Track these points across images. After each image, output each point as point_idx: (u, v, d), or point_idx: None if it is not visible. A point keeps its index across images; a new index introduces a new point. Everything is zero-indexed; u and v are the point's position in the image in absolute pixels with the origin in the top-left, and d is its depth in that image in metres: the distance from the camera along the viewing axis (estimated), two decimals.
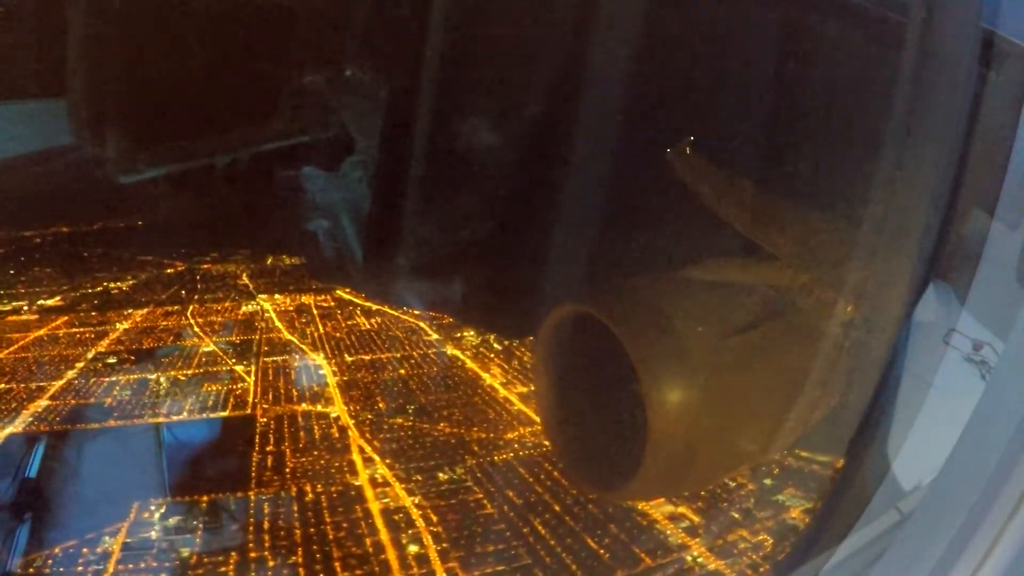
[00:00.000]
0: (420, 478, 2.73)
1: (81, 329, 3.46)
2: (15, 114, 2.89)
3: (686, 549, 2.16)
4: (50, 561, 2.30)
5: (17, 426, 2.83)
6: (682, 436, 1.49)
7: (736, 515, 2.00)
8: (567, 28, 2.27)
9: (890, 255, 1.53)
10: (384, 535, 2.47)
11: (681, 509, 2.25)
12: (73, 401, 3.04)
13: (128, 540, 2.39)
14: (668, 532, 2.22)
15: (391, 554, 2.39)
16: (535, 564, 2.31)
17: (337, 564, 2.35)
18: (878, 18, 1.60)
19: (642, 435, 1.48)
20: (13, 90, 2.74)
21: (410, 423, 3.02)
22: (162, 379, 3.19)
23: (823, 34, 1.78)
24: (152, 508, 2.50)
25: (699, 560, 2.10)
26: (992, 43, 1.37)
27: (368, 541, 2.44)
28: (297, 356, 3.37)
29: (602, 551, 2.26)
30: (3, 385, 3.08)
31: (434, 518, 2.53)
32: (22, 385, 3.09)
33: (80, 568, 2.30)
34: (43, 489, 2.53)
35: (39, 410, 2.94)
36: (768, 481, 1.84)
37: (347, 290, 3.65)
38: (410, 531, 2.49)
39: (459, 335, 3.44)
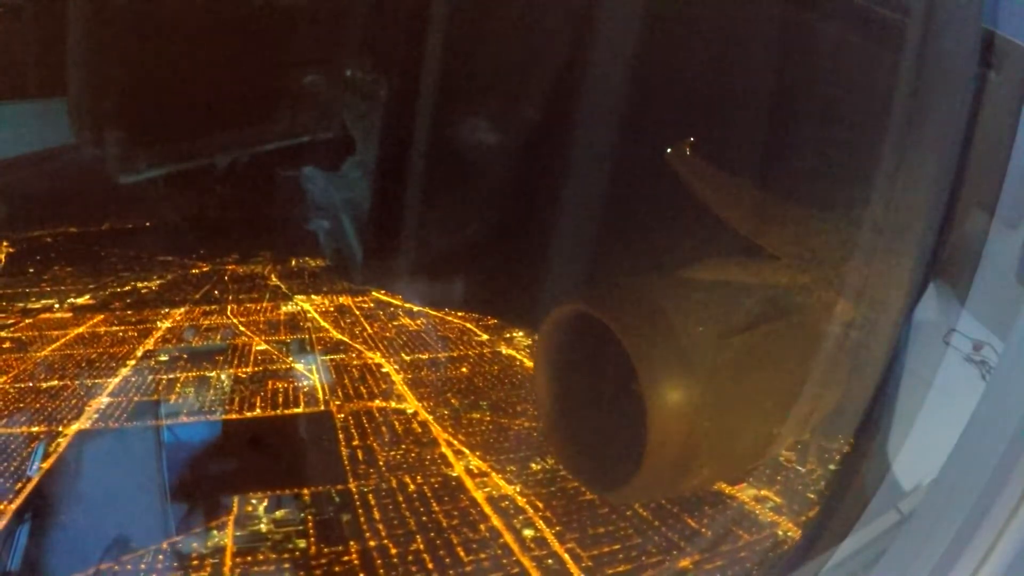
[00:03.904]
0: (514, 468, 2.76)
1: (122, 327, 3.44)
2: (15, 114, 2.89)
3: (776, 525, 2.27)
4: (160, 556, 2.27)
5: (83, 422, 2.80)
6: (682, 436, 1.49)
7: (812, 496, 2.10)
8: (567, 28, 2.27)
9: (890, 255, 1.53)
10: (496, 521, 2.52)
11: (764, 492, 2.34)
12: (136, 397, 3.01)
13: (238, 533, 2.38)
14: (757, 511, 2.33)
15: (508, 538, 2.45)
16: (646, 542, 2.39)
17: (459, 549, 2.39)
18: (878, 18, 1.60)
19: (642, 435, 1.48)
20: (13, 90, 2.74)
21: (488, 418, 3.05)
22: (223, 376, 3.17)
23: (823, 34, 1.78)
24: (254, 502, 2.49)
25: (789, 534, 2.19)
26: (992, 43, 1.36)
27: (483, 527, 2.49)
28: (354, 355, 3.38)
29: (703, 529, 2.34)
30: (56, 382, 3.04)
31: (540, 504, 2.58)
32: (76, 382, 3.05)
33: (196, 562, 2.27)
34: (44, 489, 2.52)
35: (102, 407, 2.91)
36: (832, 467, 1.93)
37: (383, 291, 3.65)
38: (520, 517, 2.53)
39: (509, 335, 3.46)
